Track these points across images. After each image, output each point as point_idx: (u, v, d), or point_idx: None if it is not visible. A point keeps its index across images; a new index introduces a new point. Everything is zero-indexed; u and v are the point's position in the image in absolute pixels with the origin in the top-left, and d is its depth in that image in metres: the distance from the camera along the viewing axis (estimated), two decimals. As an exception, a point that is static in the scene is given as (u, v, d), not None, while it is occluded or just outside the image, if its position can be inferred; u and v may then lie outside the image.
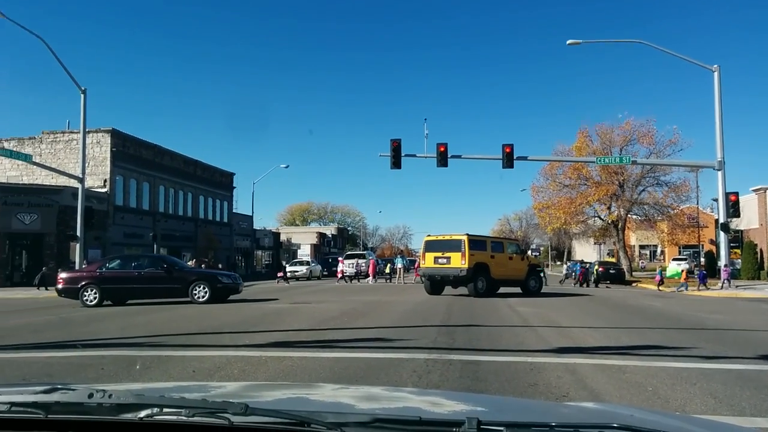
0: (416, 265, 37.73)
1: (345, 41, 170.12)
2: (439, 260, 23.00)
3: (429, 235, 24.42)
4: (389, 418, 1.40)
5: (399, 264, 39.32)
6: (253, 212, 63.47)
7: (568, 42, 31.78)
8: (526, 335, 10.77)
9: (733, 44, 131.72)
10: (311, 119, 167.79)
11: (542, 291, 25.24)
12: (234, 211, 60.33)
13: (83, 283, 18.96)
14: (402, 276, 38.56)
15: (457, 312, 15.51)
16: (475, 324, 12.39)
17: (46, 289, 28.00)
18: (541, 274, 26.35)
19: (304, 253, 72.69)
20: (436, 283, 23.44)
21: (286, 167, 58.72)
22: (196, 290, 18.89)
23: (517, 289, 24.49)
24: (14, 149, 34.34)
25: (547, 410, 2.26)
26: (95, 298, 18.65)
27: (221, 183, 58.35)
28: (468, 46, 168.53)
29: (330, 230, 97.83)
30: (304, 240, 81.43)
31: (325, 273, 49.31)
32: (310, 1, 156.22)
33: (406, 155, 31.78)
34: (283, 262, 47.04)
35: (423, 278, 24.58)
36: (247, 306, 17.69)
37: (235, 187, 60.89)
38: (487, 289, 22.43)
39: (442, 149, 31.24)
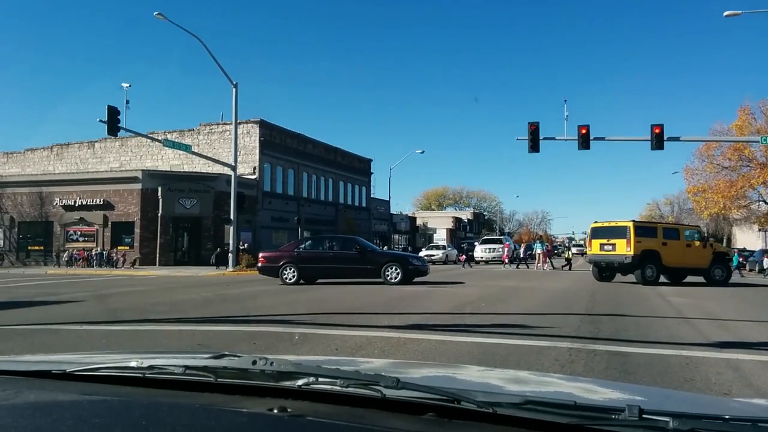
0: (546, 250, 36.87)
1: (484, 23, 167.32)
2: (605, 247, 23.00)
3: (596, 222, 24.57)
4: (542, 401, 1.36)
5: (538, 249, 38.31)
6: (389, 197, 65.00)
7: (725, 13, 28.85)
8: (679, 327, 10.01)
9: None
10: (447, 103, 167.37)
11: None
12: (372, 196, 62.08)
13: (282, 262, 20.24)
14: (542, 262, 37.51)
15: (601, 300, 14.79)
16: (621, 314, 11.73)
17: (217, 268, 30.71)
18: (730, 264, 24.73)
19: (440, 237, 73.12)
20: (602, 270, 23.54)
21: (422, 152, 59.46)
22: (388, 271, 19.62)
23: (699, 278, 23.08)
24: (176, 140, 37.90)
25: (714, 403, 2.07)
26: (293, 277, 19.89)
27: (360, 169, 60.25)
28: (609, 19, 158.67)
29: (466, 215, 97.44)
30: (439, 224, 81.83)
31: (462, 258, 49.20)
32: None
33: (544, 138, 30.63)
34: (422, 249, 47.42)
35: (590, 264, 24.61)
36: (387, 288, 18.15)
37: (372, 173, 62.66)
38: (656, 277, 21.88)
39: (583, 131, 29.75)
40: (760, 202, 44.89)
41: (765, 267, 33.70)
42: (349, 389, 1.44)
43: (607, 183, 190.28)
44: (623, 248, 22.16)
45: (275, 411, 1.36)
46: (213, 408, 1.42)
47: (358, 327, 9.49)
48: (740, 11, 29.30)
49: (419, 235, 75.13)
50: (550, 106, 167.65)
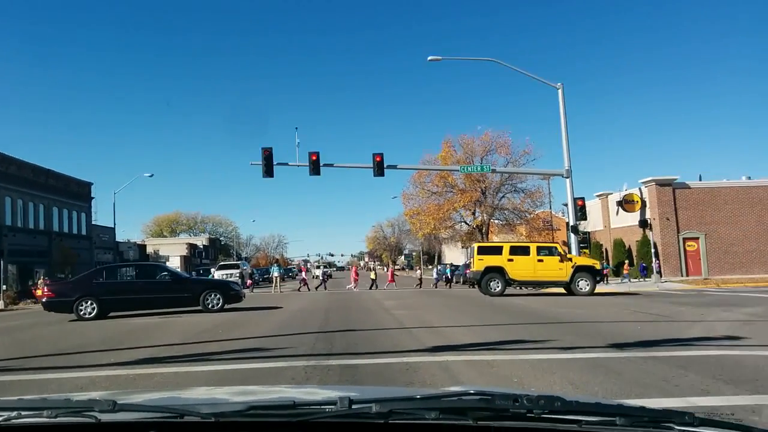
0: (273, 275, 37.88)
1: (216, 51, 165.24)
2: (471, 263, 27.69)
3: (478, 243, 29.26)
4: (264, 405, 1.42)
5: (275, 273, 38.98)
6: (114, 224, 59.37)
7: (428, 58, 33.27)
8: (401, 337, 11.07)
9: (576, 64, 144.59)
10: (180, 128, 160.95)
11: (420, 290, 26.07)
12: (94, 223, 56.20)
13: (78, 295, 18.49)
14: (279, 284, 38.23)
15: (334, 318, 15.58)
16: (352, 329, 12.52)
17: None
18: (597, 277, 26.07)
19: (174, 265, 69.36)
20: (473, 284, 27.73)
21: (151, 176, 55.84)
22: (209, 299, 18.99)
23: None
24: None
25: (415, 391, 2.37)
26: (93, 311, 18.22)
27: (78, 193, 54.14)
28: (337, 60, 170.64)
29: (201, 241, 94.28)
30: (172, 252, 77.63)
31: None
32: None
33: (278, 164, 31.55)
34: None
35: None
36: (110, 322, 16.57)
37: (93, 198, 56.84)
38: (502, 290, 24.92)
39: (314, 158, 31.32)
40: (462, 223, 52.20)
41: (468, 278, 39.26)
42: (59, 419, 1.32)
43: (338, 207, 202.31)
44: (474, 265, 26.11)
45: None
46: None
47: (78, 368, 8.49)
48: (440, 57, 34.00)
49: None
50: (284, 132, 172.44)
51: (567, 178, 33.37)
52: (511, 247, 26.23)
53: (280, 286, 38.26)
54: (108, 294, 18.74)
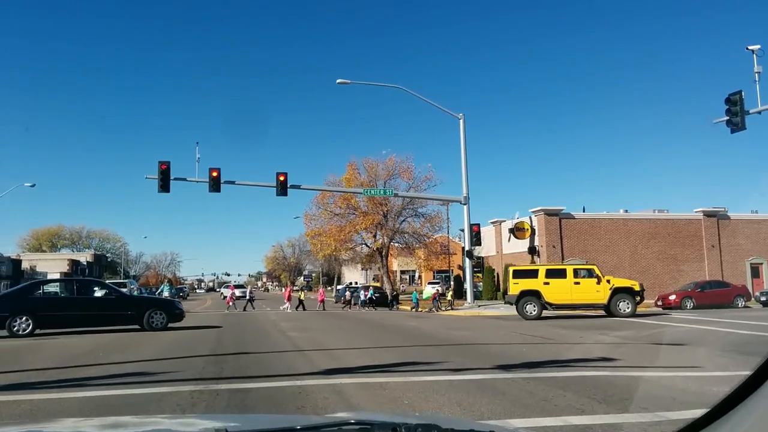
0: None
1: (115, 64, 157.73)
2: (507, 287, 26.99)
3: (514, 266, 28.03)
4: None
5: (165, 293, 37.23)
6: (-15, 236, 54.42)
7: (338, 81, 33.62)
8: (295, 359, 10.91)
9: (478, 95, 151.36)
10: (71, 139, 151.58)
11: (318, 312, 25.71)
12: (-40, 234, 51.30)
13: (11, 310, 17.41)
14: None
15: (227, 340, 15.10)
16: (245, 351, 12.19)
17: None
18: (636, 297, 25.19)
19: (52, 282, 64.52)
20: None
21: (33, 186, 51.82)
22: (153, 317, 18.47)
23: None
24: None
25: (298, 420, 2.34)
26: (28, 327, 17.25)
27: (-56, 201, 49.32)
28: (244, 76, 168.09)
29: (85, 257, 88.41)
30: (52, 268, 72.23)
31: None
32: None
33: (175, 179, 30.39)
34: None
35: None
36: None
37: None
38: (539, 313, 24.66)
39: (215, 174, 30.51)
40: (363, 245, 52.54)
41: (364, 299, 39.50)
42: None
43: (237, 225, 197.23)
44: (512, 289, 25.71)
45: None
46: None
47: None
48: (349, 81, 34.46)
49: (25, 281, 65.00)
50: (183, 147, 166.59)
51: (465, 204, 34.64)
52: (547, 270, 25.97)
53: None
54: (46, 309, 17.87)
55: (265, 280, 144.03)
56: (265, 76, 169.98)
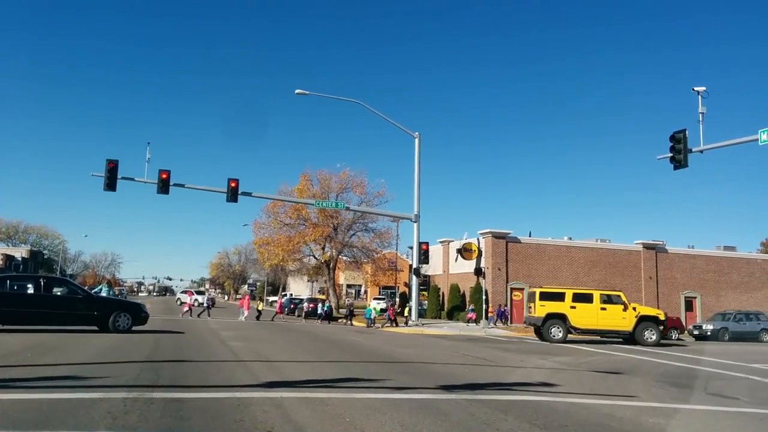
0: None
1: (64, 55, 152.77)
2: (530, 309, 26.90)
3: (540, 288, 27.37)
4: None
5: (104, 293, 35.88)
6: None
7: (296, 91, 33.54)
8: (235, 370, 10.64)
9: (433, 115, 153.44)
10: (16, 130, 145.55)
11: (259, 322, 25.17)
12: None
13: None
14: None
15: (165, 347, 14.60)
16: (183, 359, 11.82)
17: None
18: (660, 327, 25.29)
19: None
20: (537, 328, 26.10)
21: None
22: (119, 320, 18.42)
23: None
24: None
25: None
26: None
27: None
28: (200, 79, 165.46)
29: (21, 252, 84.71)
30: (-19, 261, 68.71)
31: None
32: None
33: (123, 178, 29.67)
34: None
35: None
36: None
37: None
38: (563, 337, 24.51)
39: (164, 176, 29.87)
40: (311, 257, 52.11)
41: (312, 311, 39.12)
42: None
43: (183, 230, 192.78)
44: (536, 310, 25.55)
45: None
46: None
47: None
48: (308, 91, 34.39)
49: (-49, 273, 61.64)
50: (134, 146, 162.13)
51: (415, 222, 34.86)
52: (574, 294, 25.55)
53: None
54: (9, 305, 17.39)
55: (207, 287, 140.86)
56: (222, 80, 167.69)
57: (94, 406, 6.71)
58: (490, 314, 38.91)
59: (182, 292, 68.45)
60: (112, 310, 18.65)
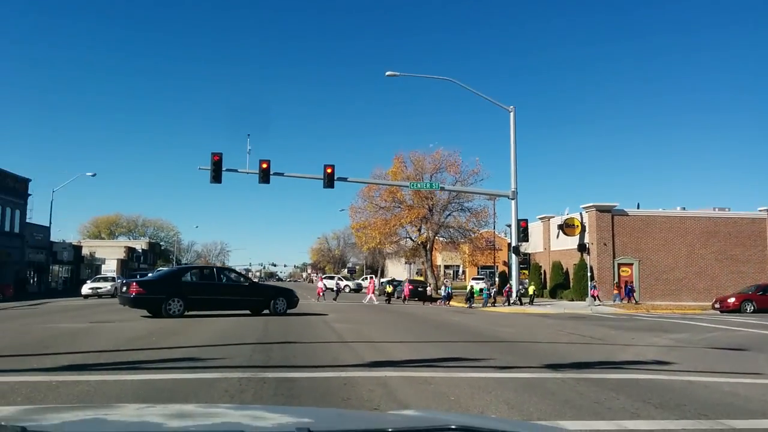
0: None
1: (161, 49, 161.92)
2: None
3: None
4: None
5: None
6: (50, 222, 56.00)
7: (387, 73, 33.57)
8: (340, 351, 10.95)
9: (528, 86, 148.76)
10: (127, 129, 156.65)
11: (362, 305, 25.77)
12: (29, 221, 53.50)
13: (167, 293, 18.90)
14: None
15: (273, 330, 15.28)
16: (291, 341, 12.31)
17: None
18: None
19: (110, 268, 66.93)
20: None
21: (93, 175, 53.88)
22: (278, 304, 20.32)
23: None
24: None
25: (374, 418, 2.23)
26: (180, 309, 18.66)
27: (14, 189, 51.44)
28: (293, 70, 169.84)
29: (140, 245, 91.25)
30: (109, 255, 74.76)
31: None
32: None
33: (227, 170, 31.05)
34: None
35: None
36: (36, 326, 15.76)
37: (30, 195, 54.12)
38: None
39: (264, 166, 30.96)
40: (407, 239, 52.43)
41: (405, 295, 39.31)
42: None
43: (284, 217, 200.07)
44: None
45: None
46: None
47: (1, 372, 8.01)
48: (398, 73, 34.38)
49: (84, 266, 67.59)
50: (236, 139, 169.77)
51: (513, 199, 34.10)
52: None
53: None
54: (194, 294, 19.28)
55: (309, 271, 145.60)
56: (313, 70, 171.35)
57: (214, 385, 7.15)
58: (615, 291, 37.64)
59: (326, 277, 67.48)
60: (273, 296, 20.58)
